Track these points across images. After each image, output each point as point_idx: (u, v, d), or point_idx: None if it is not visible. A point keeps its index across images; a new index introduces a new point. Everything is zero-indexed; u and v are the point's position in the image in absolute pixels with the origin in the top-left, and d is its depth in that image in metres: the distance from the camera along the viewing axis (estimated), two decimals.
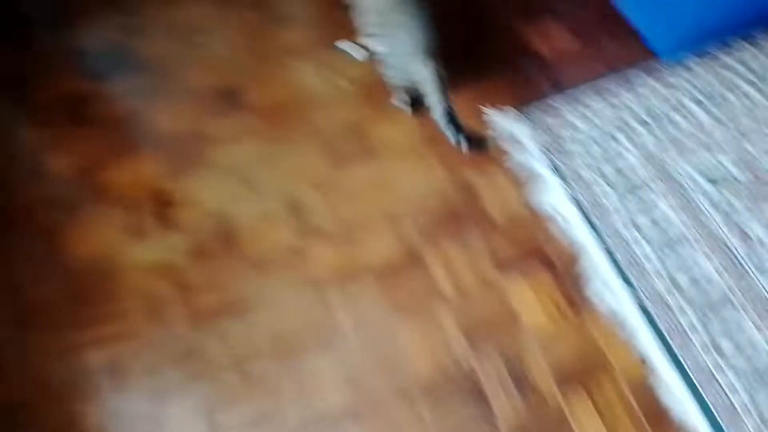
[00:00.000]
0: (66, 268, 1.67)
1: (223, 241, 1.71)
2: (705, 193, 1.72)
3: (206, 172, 1.82)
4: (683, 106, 1.87)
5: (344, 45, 2.02)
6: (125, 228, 1.73)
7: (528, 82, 1.96)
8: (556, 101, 1.90)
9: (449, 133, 1.66)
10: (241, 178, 1.81)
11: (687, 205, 1.71)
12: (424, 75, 1.66)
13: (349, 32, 2.04)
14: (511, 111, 1.89)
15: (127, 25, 2.14)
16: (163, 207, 1.76)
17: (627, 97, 1.89)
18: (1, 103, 1.99)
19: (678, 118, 1.85)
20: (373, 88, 1.96)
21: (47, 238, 1.71)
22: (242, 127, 1.90)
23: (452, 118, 1.66)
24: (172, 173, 1.82)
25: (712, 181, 1.73)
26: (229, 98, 1.96)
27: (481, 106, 1.90)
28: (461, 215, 1.74)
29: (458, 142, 1.67)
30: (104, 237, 1.72)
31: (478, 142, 1.72)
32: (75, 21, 2.15)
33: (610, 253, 1.65)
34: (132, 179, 1.81)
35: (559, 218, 1.72)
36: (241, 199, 1.78)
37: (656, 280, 1.60)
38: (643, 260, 1.63)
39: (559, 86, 1.94)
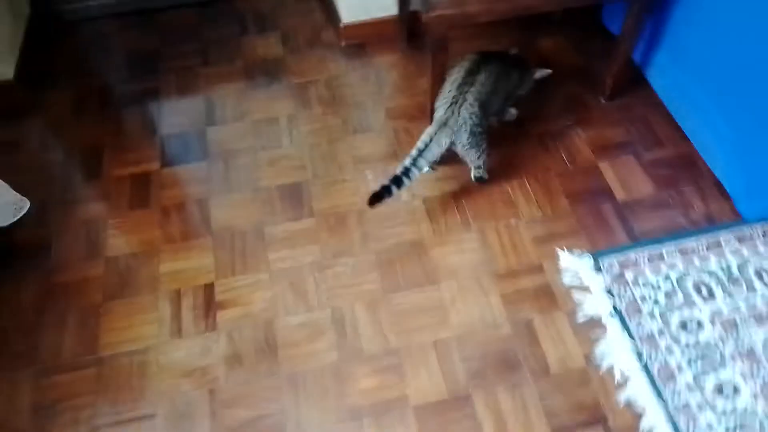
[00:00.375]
0: (99, 355, 1.63)
1: (261, 351, 1.64)
2: None
3: (258, 274, 1.78)
4: (766, 275, 1.74)
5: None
6: (166, 322, 1.69)
7: (602, 223, 1.88)
8: (635, 251, 1.79)
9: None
10: (291, 284, 1.76)
11: (759, 379, 1.55)
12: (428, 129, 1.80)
13: None
14: (586, 256, 1.79)
15: (206, 112, 2.21)
16: (208, 304, 1.72)
17: (710, 258, 1.77)
18: (75, 174, 2.05)
19: (760, 286, 1.72)
20: (438, 206, 1.92)
21: (87, 319, 1.69)
22: (303, 232, 1.87)
23: (397, 178, 1.73)
24: (224, 270, 1.79)
25: None
26: (294, 199, 1.95)
27: (556, 248, 1.82)
28: (516, 357, 1.62)
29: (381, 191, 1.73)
30: (144, 328, 1.68)
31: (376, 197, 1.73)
32: (160, 100, 2.24)
33: (673, 424, 1.49)
34: (183, 270, 1.79)
35: (619, 376, 1.58)
36: (288, 307, 1.72)
37: None
38: (706, 430, 1.47)
39: (633, 232, 1.85)
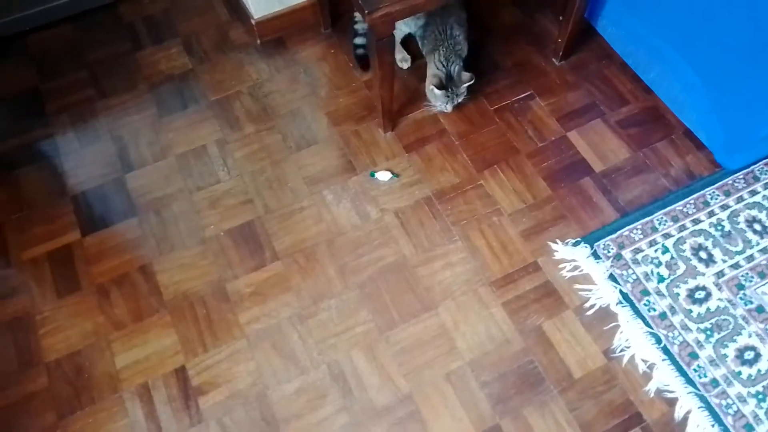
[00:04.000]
0: None
1: None
2: None
3: (233, 343, 1.58)
4: (758, 222, 1.73)
5: (380, 173, 1.83)
6: (141, 425, 1.47)
7: (586, 200, 1.79)
8: (627, 227, 1.73)
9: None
10: (274, 346, 1.58)
11: None
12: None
13: (376, 160, 1.87)
14: (580, 244, 1.71)
15: (118, 155, 1.90)
16: (185, 393, 1.51)
17: (701, 218, 1.74)
18: None
19: (754, 236, 1.71)
20: (412, 218, 1.77)
21: None
22: (271, 281, 1.67)
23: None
24: (193, 347, 1.58)
25: None
26: (251, 244, 1.73)
27: (548, 241, 1.72)
28: (535, 371, 1.54)
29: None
30: None
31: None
32: (59, 150, 1.91)
33: (706, 403, 1.48)
34: (145, 358, 1.56)
35: (642, 365, 1.55)
36: (278, 374, 1.54)
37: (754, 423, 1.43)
38: (740, 404, 1.47)
39: (618, 203, 1.78)
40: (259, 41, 2.14)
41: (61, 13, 2.19)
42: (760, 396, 1.50)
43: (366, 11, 1.44)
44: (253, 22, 2.09)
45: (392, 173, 1.84)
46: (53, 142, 1.93)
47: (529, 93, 2.00)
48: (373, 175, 1.84)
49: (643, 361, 1.55)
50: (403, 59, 2.05)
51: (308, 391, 1.52)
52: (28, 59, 2.12)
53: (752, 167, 1.82)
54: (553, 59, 2.06)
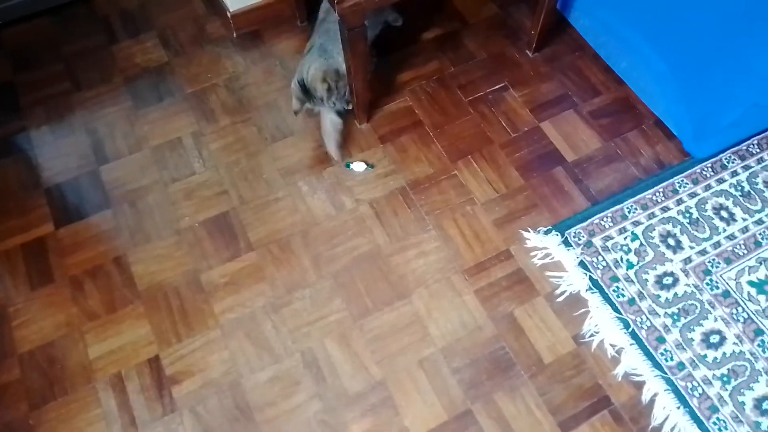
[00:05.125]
0: None
1: (235, 420, 1.49)
2: (758, 302, 1.62)
3: (207, 333, 1.60)
4: (725, 209, 1.77)
5: (355, 164, 1.85)
6: (114, 415, 1.49)
7: (558, 190, 1.83)
8: (597, 215, 1.76)
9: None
10: (248, 336, 1.60)
11: (739, 321, 1.60)
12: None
13: (351, 151, 1.90)
14: (551, 232, 1.74)
15: (93, 147, 1.91)
16: (159, 382, 1.53)
17: (669, 206, 1.78)
18: None
19: (720, 223, 1.75)
20: (387, 208, 1.79)
21: None
22: (246, 272, 1.69)
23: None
24: (166, 337, 1.59)
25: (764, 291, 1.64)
26: (226, 235, 1.75)
27: (520, 230, 1.76)
28: (506, 357, 1.57)
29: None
30: (90, 431, 1.47)
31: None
32: (32, 143, 1.92)
33: (673, 386, 1.52)
34: (118, 348, 1.57)
35: (611, 350, 1.58)
36: (251, 363, 1.56)
37: (727, 416, 1.47)
38: (705, 386, 1.51)
39: (589, 192, 1.82)
40: (235, 34, 2.15)
41: (36, 6, 2.20)
42: (725, 378, 1.54)
43: (336, 1, 1.46)
44: (229, 15, 2.11)
45: (367, 164, 1.87)
46: (27, 135, 1.94)
47: (503, 84, 2.04)
48: (348, 165, 1.86)
49: (611, 345, 1.59)
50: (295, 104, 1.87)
51: (282, 378, 1.54)
52: (2, 52, 2.12)
53: (720, 156, 1.86)
54: (527, 51, 2.10)
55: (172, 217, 1.78)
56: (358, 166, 1.86)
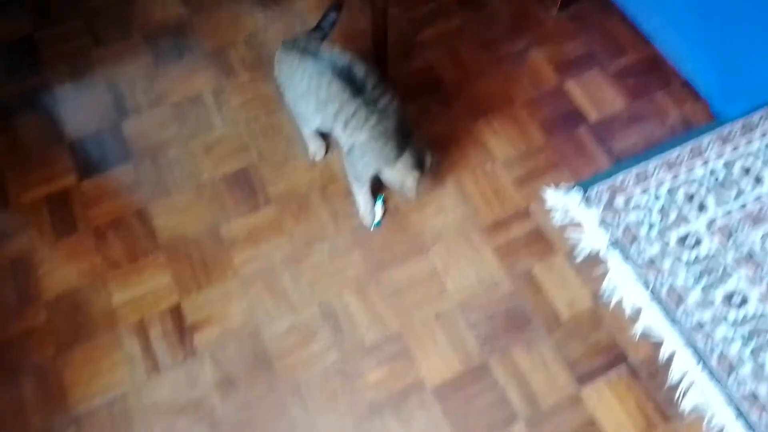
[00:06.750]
0: (72, 414, 1.50)
1: (254, 367, 1.55)
2: None
3: (226, 283, 1.66)
4: (753, 170, 1.78)
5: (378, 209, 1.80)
6: (138, 359, 1.56)
7: (580, 149, 1.85)
8: (620, 174, 1.78)
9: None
10: (267, 286, 1.66)
11: (763, 282, 1.62)
12: None
13: None
14: (573, 190, 1.77)
15: (114, 102, 1.97)
16: (180, 329, 1.60)
17: (695, 166, 1.79)
18: None
19: (748, 185, 1.76)
20: None
21: (46, 378, 1.54)
22: (265, 225, 1.74)
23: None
24: (187, 286, 1.66)
25: None
26: (245, 189, 1.80)
27: (540, 187, 1.78)
28: (523, 313, 1.61)
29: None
30: (114, 373, 1.55)
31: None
32: (55, 98, 1.98)
33: (691, 345, 1.55)
34: (140, 296, 1.65)
35: (630, 309, 1.61)
36: (270, 313, 1.62)
37: (747, 375, 1.50)
38: (722, 344, 1.54)
39: (613, 152, 1.83)
40: None
41: None
42: (746, 338, 1.56)
43: None
44: None
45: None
46: (50, 90, 2.00)
47: (526, 43, 2.05)
48: (378, 224, 1.79)
49: (630, 305, 1.62)
50: (316, 150, 1.82)
51: (299, 329, 1.60)
52: (22, 7, 2.19)
53: (748, 117, 1.86)
54: (552, 9, 2.10)
55: (192, 172, 1.84)
56: (378, 213, 1.76)
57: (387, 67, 1.95)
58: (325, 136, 1.82)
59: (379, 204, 1.75)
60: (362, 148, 1.55)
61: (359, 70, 1.51)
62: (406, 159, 1.56)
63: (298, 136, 1.87)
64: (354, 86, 1.50)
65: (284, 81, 1.64)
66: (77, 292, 1.66)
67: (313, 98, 1.55)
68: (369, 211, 1.72)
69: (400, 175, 1.59)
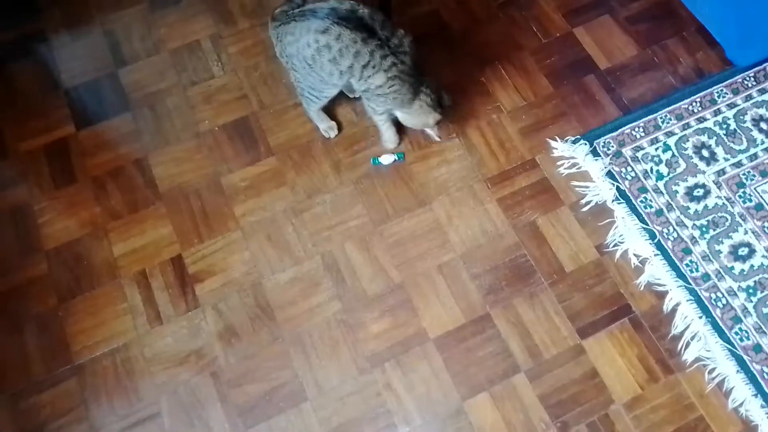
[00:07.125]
0: (75, 364, 1.52)
1: (256, 318, 1.56)
2: None
3: (228, 234, 1.65)
4: (765, 120, 1.74)
5: (383, 157, 1.75)
6: (140, 310, 1.57)
7: (589, 98, 1.80)
8: (629, 124, 1.75)
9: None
10: (269, 238, 1.65)
11: None
12: None
13: None
14: (580, 141, 1.74)
15: (111, 50, 1.93)
16: (182, 280, 1.60)
17: (706, 116, 1.75)
18: None
19: (759, 135, 1.72)
20: None
21: (48, 327, 1.56)
22: (266, 176, 1.72)
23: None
24: (188, 237, 1.65)
25: None
26: (246, 139, 1.77)
27: (547, 138, 1.75)
28: (526, 264, 1.61)
29: None
30: (117, 323, 1.56)
31: None
32: (50, 45, 1.94)
33: (696, 296, 1.55)
34: (142, 247, 1.64)
35: (635, 260, 1.61)
36: (272, 264, 1.62)
37: (750, 327, 1.50)
38: (729, 297, 1.54)
39: (622, 102, 1.79)
40: None
41: None
42: (751, 290, 1.56)
43: None
44: None
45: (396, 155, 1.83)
46: (45, 37, 1.96)
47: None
48: (376, 162, 1.75)
49: (635, 255, 1.61)
50: (329, 128, 1.77)
51: (302, 280, 1.61)
52: None
53: (764, 65, 1.81)
54: None
55: (192, 121, 1.81)
56: (387, 159, 1.74)
57: (392, 12, 1.89)
58: (331, 114, 1.79)
59: (394, 157, 1.73)
60: (380, 90, 1.54)
61: (363, 12, 1.46)
62: (423, 99, 1.58)
63: None
64: (364, 30, 1.45)
65: (290, 52, 1.55)
66: (78, 242, 1.66)
67: (326, 56, 1.50)
68: (391, 138, 1.74)
69: (419, 117, 1.61)
